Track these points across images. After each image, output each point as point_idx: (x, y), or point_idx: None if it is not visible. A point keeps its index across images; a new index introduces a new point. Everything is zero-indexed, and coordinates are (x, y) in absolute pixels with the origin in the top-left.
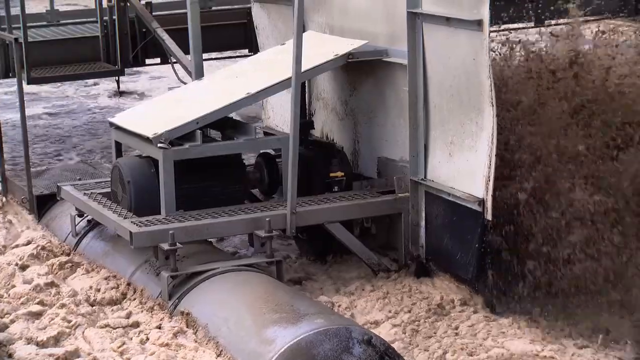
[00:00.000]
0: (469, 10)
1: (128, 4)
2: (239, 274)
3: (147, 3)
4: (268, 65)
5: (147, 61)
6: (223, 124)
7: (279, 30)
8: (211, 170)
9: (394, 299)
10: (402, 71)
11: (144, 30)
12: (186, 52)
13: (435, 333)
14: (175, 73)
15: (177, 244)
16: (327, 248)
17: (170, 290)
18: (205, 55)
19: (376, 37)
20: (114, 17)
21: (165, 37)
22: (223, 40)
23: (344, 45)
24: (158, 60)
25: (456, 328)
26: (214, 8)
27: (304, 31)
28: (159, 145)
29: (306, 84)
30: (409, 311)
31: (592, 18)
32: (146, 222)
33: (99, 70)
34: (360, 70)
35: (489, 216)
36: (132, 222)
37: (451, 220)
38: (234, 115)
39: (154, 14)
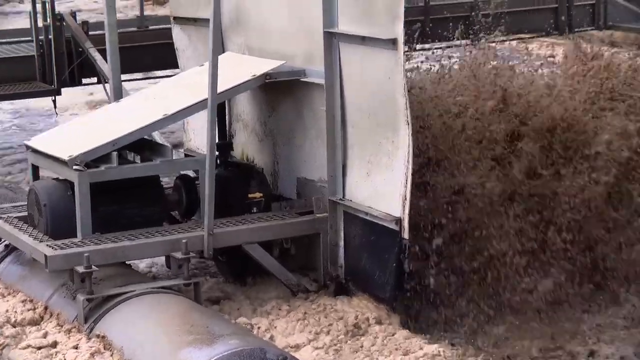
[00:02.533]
0: (383, 30)
1: (64, 23)
2: (155, 297)
3: (83, 22)
4: (186, 86)
5: (84, 80)
6: (141, 145)
7: (199, 51)
8: (128, 192)
9: (312, 320)
10: (319, 91)
11: (80, 49)
12: (122, 71)
13: (355, 353)
14: (107, 93)
15: (93, 266)
16: (246, 269)
17: (87, 313)
18: (141, 75)
19: (294, 57)
20: (49, 36)
21: (97, 56)
22: (159, 60)
23: (262, 66)
24: (95, 79)
25: (374, 346)
26: (150, 27)
27: (222, 52)
28: (74, 167)
29: (226, 105)
30: (328, 332)
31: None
32: (62, 245)
33: (35, 90)
34: (278, 91)
35: (406, 235)
36: (47, 245)
37: (369, 240)
38: (158, 136)
39: (91, 33)
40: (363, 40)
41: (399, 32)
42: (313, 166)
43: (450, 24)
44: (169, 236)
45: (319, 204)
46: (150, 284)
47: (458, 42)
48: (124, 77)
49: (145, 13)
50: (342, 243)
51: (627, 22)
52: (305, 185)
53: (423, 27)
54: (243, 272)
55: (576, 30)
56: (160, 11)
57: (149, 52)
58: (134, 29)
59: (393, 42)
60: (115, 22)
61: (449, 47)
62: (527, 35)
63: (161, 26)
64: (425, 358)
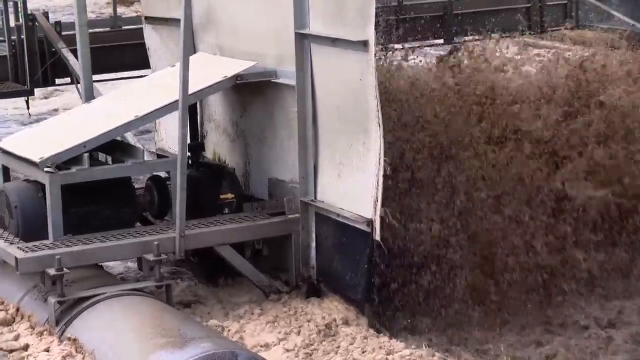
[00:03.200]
0: (354, 32)
1: (36, 23)
2: (127, 299)
3: (55, 23)
4: (158, 87)
5: (57, 81)
6: (112, 146)
7: (171, 51)
8: (100, 193)
9: (282, 322)
10: (291, 92)
11: (53, 49)
12: (95, 71)
13: (327, 354)
14: (80, 93)
15: (64, 269)
16: (219, 271)
17: (58, 316)
18: (113, 75)
19: (266, 58)
20: (22, 36)
21: (70, 57)
22: (131, 60)
23: (233, 67)
24: (68, 80)
25: (345, 348)
26: (124, 27)
27: (194, 52)
28: (45, 169)
29: (198, 106)
30: (298, 333)
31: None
32: (33, 247)
33: (8, 90)
34: (250, 92)
35: (377, 236)
36: (18, 247)
37: (341, 241)
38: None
39: (64, 33)
40: (334, 42)
41: (370, 34)
42: (285, 167)
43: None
44: (140, 238)
45: (290, 204)
46: (122, 286)
47: (432, 42)
48: (97, 77)
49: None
50: (313, 244)
51: (598, 22)
52: (276, 186)
53: (396, 26)
54: (215, 274)
55: (549, 29)
56: (123, 9)
57: (122, 52)
58: (108, 29)
59: (364, 44)
60: (86, 23)
61: (424, 46)
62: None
63: (135, 26)
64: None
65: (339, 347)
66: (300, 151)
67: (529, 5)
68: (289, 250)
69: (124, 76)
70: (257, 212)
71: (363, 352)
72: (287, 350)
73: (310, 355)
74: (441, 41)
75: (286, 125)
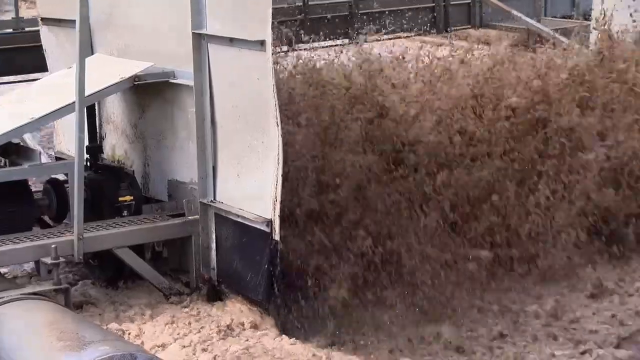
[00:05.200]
0: (252, 31)
1: None
2: (24, 303)
3: None
4: (55, 89)
5: None
6: (7, 149)
7: (67, 53)
8: None
9: (181, 323)
10: (189, 93)
11: None
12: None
13: (226, 351)
14: None
15: None
16: (120, 273)
17: None
18: (13, 78)
19: (165, 58)
20: None
21: None
22: (36, 62)
23: (131, 68)
24: None
25: (247, 349)
26: (27, 29)
27: (91, 54)
28: None
29: (96, 107)
30: (198, 332)
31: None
32: None
33: None
34: (148, 93)
35: (277, 237)
36: None
37: (241, 242)
38: (30, 139)
39: None
40: (232, 41)
41: (267, 33)
42: (184, 168)
43: (327, 21)
44: (38, 241)
45: (190, 206)
46: (19, 290)
47: (339, 42)
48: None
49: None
50: (214, 245)
51: (500, 21)
52: (176, 188)
53: (302, 26)
54: (116, 277)
55: (453, 28)
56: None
57: (25, 54)
58: (10, 30)
59: (261, 43)
60: None
61: (329, 46)
62: (405, 34)
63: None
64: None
65: (246, 347)
66: (199, 152)
67: (433, 4)
68: (190, 251)
69: (24, 79)
70: (156, 213)
71: (265, 352)
72: (184, 347)
73: (206, 350)
74: (347, 41)
75: (185, 126)
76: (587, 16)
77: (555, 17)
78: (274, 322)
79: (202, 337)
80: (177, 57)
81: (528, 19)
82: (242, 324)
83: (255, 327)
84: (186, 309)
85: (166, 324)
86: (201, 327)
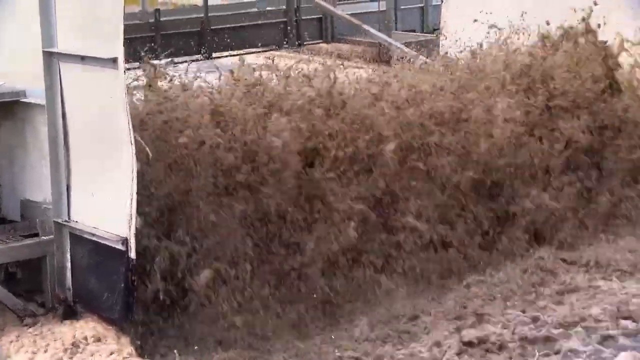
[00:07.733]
0: (103, 49)
1: None
2: None
3: None
4: None
5: None
6: None
7: None
8: None
9: (27, 341)
10: (42, 112)
11: None
12: None
13: None
14: None
15: None
16: None
17: None
18: None
19: (20, 77)
20: None
21: None
22: None
23: None
24: None
25: None
26: None
27: None
28: None
29: None
30: (45, 351)
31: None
32: None
33: None
34: None
35: (133, 254)
36: None
37: (96, 261)
38: None
39: None
40: (83, 59)
41: (119, 50)
42: (37, 188)
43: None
44: None
45: (44, 226)
46: None
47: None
48: None
49: None
50: (69, 265)
51: (352, 35)
52: (29, 207)
53: (154, 42)
54: None
55: (306, 43)
56: None
57: None
58: None
59: (113, 60)
60: None
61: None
62: (259, 50)
63: None
64: None
65: None
66: (52, 171)
67: (286, 20)
68: (45, 272)
69: None
70: (9, 234)
71: None
72: None
73: None
74: (199, 57)
75: (38, 145)
76: (435, 30)
77: (406, 31)
78: (130, 340)
79: (50, 354)
80: (30, 76)
81: (379, 33)
82: (93, 341)
83: (103, 343)
84: (31, 329)
85: (11, 342)
86: (47, 345)
